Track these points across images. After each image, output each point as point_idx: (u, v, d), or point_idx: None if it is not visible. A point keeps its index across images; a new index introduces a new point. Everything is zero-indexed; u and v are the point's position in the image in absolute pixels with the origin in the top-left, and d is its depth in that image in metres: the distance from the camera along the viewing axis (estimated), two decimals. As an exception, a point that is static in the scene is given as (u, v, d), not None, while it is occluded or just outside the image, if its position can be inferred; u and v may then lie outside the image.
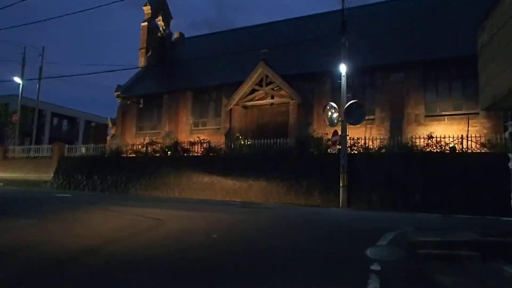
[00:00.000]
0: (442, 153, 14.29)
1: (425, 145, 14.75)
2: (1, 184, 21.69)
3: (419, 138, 15.08)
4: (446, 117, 18.09)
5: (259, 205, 14.68)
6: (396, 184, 14.15)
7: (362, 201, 14.31)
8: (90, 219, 9.21)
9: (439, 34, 19.04)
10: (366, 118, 17.88)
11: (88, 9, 25.49)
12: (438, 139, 14.61)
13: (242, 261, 5.60)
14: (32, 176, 21.75)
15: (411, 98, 18.77)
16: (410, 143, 15.06)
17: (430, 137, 14.81)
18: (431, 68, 18.73)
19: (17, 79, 27.27)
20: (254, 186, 16.48)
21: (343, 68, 15.38)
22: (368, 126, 18.94)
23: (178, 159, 18.72)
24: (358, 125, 17.06)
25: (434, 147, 14.55)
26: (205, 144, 18.80)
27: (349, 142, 15.74)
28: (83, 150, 22.13)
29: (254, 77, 21.24)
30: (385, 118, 19.10)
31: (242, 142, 18.15)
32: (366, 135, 17.07)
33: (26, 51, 29.88)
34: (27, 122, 53.96)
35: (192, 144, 19.09)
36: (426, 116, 18.48)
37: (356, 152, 15.82)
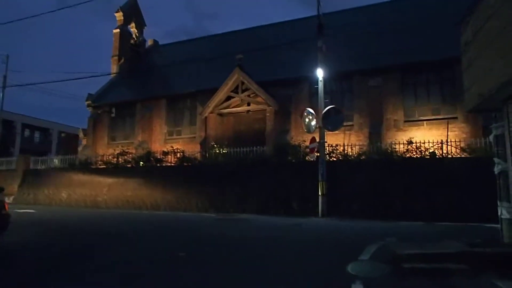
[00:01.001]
0: (423, 158, 13.92)
1: (405, 150, 14.37)
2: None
3: (399, 143, 14.70)
4: (425, 122, 17.81)
5: (234, 216, 14.01)
6: (377, 191, 13.68)
7: (343, 210, 13.76)
8: None
9: (416, 38, 18.85)
10: (345, 124, 17.49)
11: (52, 11, 24.04)
12: (418, 145, 14.26)
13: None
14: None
15: (390, 103, 18.46)
16: (390, 149, 14.67)
17: (409, 142, 14.45)
18: (409, 72, 18.47)
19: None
20: (231, 197, 15.77)
21: (320, 73, 14.91)
22: (347, 132, 18.53)
23: (150, 170, 17.88)
24: (337, 132, 16.65)
25: (414, 153, 14.19)
26: (179, 153, 18.03)
27: (327, 149, 15.25)
28: (56, 161, 20.98)
29: (230, 84, 20.61)
30: (363, 124, 18.72)
31: (218, 151, 17.45)
32: (345, 142, 16.63)
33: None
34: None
35: (166, 153, 18.30)
36: (405, 121, 18.16)
37: (335, 159, 15.33)
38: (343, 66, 18.63)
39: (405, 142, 14.57)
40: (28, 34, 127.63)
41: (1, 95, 25.61)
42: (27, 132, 56.78)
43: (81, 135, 27.42)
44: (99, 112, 25.59)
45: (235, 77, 20.48)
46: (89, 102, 25.72)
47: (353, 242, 8.07)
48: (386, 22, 20.84)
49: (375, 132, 18.02)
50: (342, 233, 9.78)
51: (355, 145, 15.74)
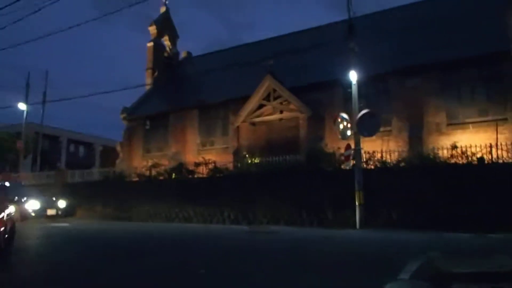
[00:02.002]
0: (469, 164, 12.76)
1: (449, 156, 13.26)
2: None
3: (442, 148, 13.63)
4: (470, 124, 16.51)
5: (266, 229, 13.41)
6: (419, 200, 12.66)
7: (381, 221, 12.84)
8: None
9: (456, 33, 17.66)
10: (382, 129, 16.54)
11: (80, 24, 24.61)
12: (464, 149, 13.11)
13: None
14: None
15: (430, 105, 17.29)
16: (432, 154, 13.58)
17: (454, 147, 13.31)
18: (450, 70, 17.21)
19: (22, 105, 26.91)
20: (263, 208, 15.20)
21: (353, 75, 14.14)
22: (385, 138, 17.52)
23: (182, 182, 17.64)
24: (374, 137, 15.70)
25: (460, 158, 13.04)
26: (210, 164, 17.69)
27: (364, 156, 14.39)
28: (91, 174, 21.30)
29: (261, 92, 20.15)
30: (402, 128, 17.64)
31: (249, 161, 16.96)
32: (383, 148, 15.67)
33: (31, 76, 29.54)
34: (44, 148, 54.29)
35: (197, 165, 18.02)
36: (448, 124, 16.94)
37: (372, 167, 14.41)
38: (378, 67, 17.72)
39: (448, 146, 13.47)
40: (67, 50, 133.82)
41: (42, 110, 26.42)
42: (72, 147, 59.00)
43: (118, 148, 27.79)
44: (133, 125, 25.87)
45: (266, 85, 20.01)
46: (124, 115, 26.07)
47: (392, 257, 7.28)
48: (422, 18, 19.73)
49: (415, 137, 16.92)
50: (380, 246, 8.96)
51: (393, 151, 14.75)
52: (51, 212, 17.11)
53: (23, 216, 15.46)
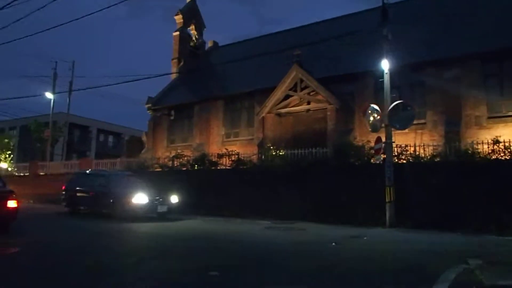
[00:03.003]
0: (513, 160, 11.70)
1: (490, 151, 12.21)
2: (31, 201, 21.21)
3: (482, 143, 12.56)
4: (515, 117, 15.29)
5: (290, 225, 12.78)
6: (455, 198, 11.74)
7: (413, 220, 11.97)
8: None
9: (498, 22, 16.38)
10: (416, 122, 15.53)
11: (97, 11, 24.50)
12: (507, 144, 12.03)
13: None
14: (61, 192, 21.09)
15: (470, 97, 16.10)
16: (471, 149, 12.53)
17: (496, 141, 12.24)
18: (492, 60, 15.99)
19: (48, 94, 27.18)
20: (288, 202, 14.56)
21: (385, 65, 13.22)
22: (419, 131, 16.50)
23: (204, 173, 17.20)
24: (406, 130, 14.79)
25: (502, 154, 11.98)
26: (233, 156, 17.16)
27: (395, 150, 13.49)
28: (108, 165, 21.14)
29: (288, 82, 19.39)
30: (438, 122, 16.54)
31: (274, 153, 16.31)
32: (416, 142, 14.70)
33: (64, 67, 29.81)
34: (74, 138, 55.39)
35: (220, 156, 17.53)
36: (489, 117, 15.72)
37: (404, 161, 13.49)
38: (413, 56, 16.69)
39: (489, 141, 12.39)
40: (99, 43, 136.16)
41: (68, 100, 26.60)
42: (101, 137, 60.09)
43: (144, 138, 27.72)
44: (158, 115, 25.68)
45: (293, 75, 19.23)
46: (149, 105, 25.90)
47: (425, 264, 6.54)
48: (461, 6, 18.45)
49: (452, 131, 15.80)
50: (411, 249, 8.17)
51: (428, 145, 13.77)
52: (161, 209, 13.81)
53: (132, 213, 13.10)
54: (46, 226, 12.25)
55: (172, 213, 14.26)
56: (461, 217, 11.44)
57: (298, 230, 11.56)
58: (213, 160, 17.63)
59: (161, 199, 13.93)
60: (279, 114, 20.22)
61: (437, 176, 12.27)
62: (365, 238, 9.80)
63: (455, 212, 11.61)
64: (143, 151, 25.81)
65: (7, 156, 28.51)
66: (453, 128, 15.86)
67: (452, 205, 11.73)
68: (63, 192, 15.95)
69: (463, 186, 11.70)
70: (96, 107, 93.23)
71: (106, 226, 11.85)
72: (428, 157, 13.17)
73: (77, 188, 15.38)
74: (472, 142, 13.04)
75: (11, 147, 31.29)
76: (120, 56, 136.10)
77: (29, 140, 33.46)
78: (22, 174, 25.28)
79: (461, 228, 10.89)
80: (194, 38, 29.91)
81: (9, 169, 27.94)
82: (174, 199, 14.58)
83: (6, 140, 30.38)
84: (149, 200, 13.38)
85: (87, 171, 17.41)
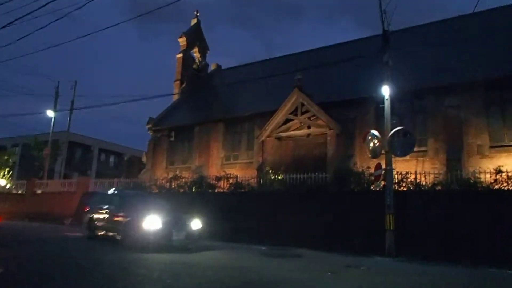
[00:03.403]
0: (516, 191, 11.41)
1: (492, 181, 11.94)
2: (26, 220, 20.93)
3: (484, 172, 12.31)
4: (517, 147, 15.05)
5: (286, 251, 12.42)
6: (457, 228, 11.41)
7: (414, 250, 11.62)
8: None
9: (500, 49, 16.37)
10: (417, 149, 15.40)
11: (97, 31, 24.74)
12: (510, 174, 11.77)
13: None
14: (58, 211, 20.82)
15: (472, 126, 15.93)
16: (473, 178, 12.27)
17: (498, 171, 11.98)
18: (494, 88, 15.87)
19: (50, 112, 27.23)
20: (286, 228, 14.25)
21: (386, 90, 13.13)
22: (420, 158, 16.28)
23: (201, 196, 16.92)
24: (407, 157, 14.59)
25: (505, 184, 11.71)
26: (231, 179, 16.93)
27: (396, 177, 13.25)
28: (105, 184, 20.90)
29: (288, 106, 19.33)
30: (440, 150, 16.32)
31: (272, 177, 16.07)
32: (418, 169, 14.46)
33: (67, 87, 29.98)
34: (75, 157, 55.32)
35: (219, 179, 17.30)
36: (491, 146, 15.50)
37: (405, 189, 13.23)
38: (415, 83, 16.63)
39: (492, 170, 12.14)
40: (110, 67, 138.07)
41: (69, 118, 26.61)
42: (103, 156, 60.05)
43: (144, 158, 27.56)
44: (158, 136, 25.59)
45: (294, 99, 19.17)
46: (149, 125, 25.85)
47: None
48: (463, 33, 18.51)
49: (454, 159, 15.56)
50: (411, 283, 7.82)
51: (429, 173, 13.51)
52: (178, 236, 11.28)
53: (141, 240, 10.73)
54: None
55: (193, 241, 11.80)
56: (462, 248, 11.09)
57: (294, 257, 11.19)
58: (211, 182, 17.39)
59: (178, 224, 11.51)
60: (279, 138, 20.07)
61: (438, 205, 12.00)
62: (362, 268, 9.44)
63: (456, 243, 11.28)
64: (142, 172, 25.62)
65: (5, 173, 28.31)
66: (454, 156, 15.63)
67: (453, 235, 11.41)
68: (86, 215, 13.92)
69: (464, 216, 11.41)
70: (99, 127, 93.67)
71: (104, 258, 9.31)
72: (429, 185, 12.90)
73: (95, 210, 13.57)
74: (474, 171, 12.79)
75: (11, 165, 31.13)
76: (128, 78, 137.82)
77: (31, 158, 33.37)
78: (19, 192, 25.06)
79: (463, 260, 10.53)
80: (197, 61, 30.14)
81: (8, 186, 27.72)
82: (195, 224, 11.97)
83: (5, 157, 30.28)
84: (163, 224, 10.95)
85: (110, 191, 15.11)
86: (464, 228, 11.31)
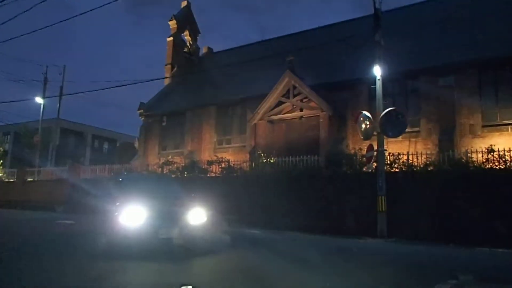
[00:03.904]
0: (508, 170, 11.35)
1: (484, 160, 11.86)
2: (18, 208, 20.77)
3: (476, 152, 12.21)
4: (509, 126, 14.96)
5: (279, 234, 12.37)
6: (448, 209, 11.38)
7: (405, 231, 11.62)
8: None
9: (494, 29, 16.16)
10: (410, 130, 15.36)
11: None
12: (501, 153, 11.69)
13: None
14: (49, 199, 20.65)
15: (464, 106, 15.81)
16: (465, 158, 12.20)
17: (490, 150, 11.88)
18: (487, 69, 15.73)
19: (38, 99, 26.81)
20: (278, 211, 14.17)
21: (377, 70, 12.95)
22: (412, 139, 16.20)
23: (193, 181, 16.77)
24: (400, 138, 14.54)
25: (497, 163, 11.63)
26: (223, 163, 16.78)
27: (388, 159, 13.15)
28: (97, 171, 20.74)
29: (280, 88, 19.09)
30: (432, 130, 16.23)
31: (264, 161, 15.94)
32: (410, 150, 14.36)
33: (58, 73, 29.40)
34: (68, 145, 54.94)
35: (210, 163, 17.15)
36: (483, 126, 15.42)
37: (397, 170, 13.14)
38: (408, 64, 16.44)
39: (484, 150, 12.04)
40: (103, 53, 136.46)
41: (58, 105, 26.24)
42: (96, 143, 59.67)
43: (136, 144, 27.34)
44: (150, 121, 25.31)
45: (286, 81, 18.93)
46: (141, 111, 25.55)
47: (414, 279, 6.16)
48: (457, 13, 18.21)
49: (446, 139, 15.48)
50: (401, 262, 7.78)
51: (421, 154, 13.42)
52: (168, 233, 7.61)
53: (120, 239, 7.48)
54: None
55: (191, 240, 7.80)
56: (455, 228, 11.08)
57: (284, 241, 11.14)
58: (203, 167, 17.24)
59: (168, 216, 7.81)
60: (271, 121, 19.89)
61: (430, 186, 11.91)
62: (354, 249, 9.41)
63: (448, 223, 11.27)
64: (134, 158, 25.40)
65: (-4, 162, 28.01)
66: (447, 136, 15.55)
67: (445, 216, 11.38)
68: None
69: (456, 196, 11.36)
70: (93, 114, 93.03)
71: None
72: (422, 166, 12.81)
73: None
74: (466, 151, 12.70)
75: (2, 153, 30.80)
76: (122, 64, 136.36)
77: (22, 146, 33.02)
78: (11, 180, 24.83)
79: (455, 240, 10.53)
80: (188, 44, 29.66)
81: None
82: (196, 215, 8.11)
83: (-5, 147, 29.93)
84: (148, 219, 7.49)
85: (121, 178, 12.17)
86: (456, 208, 11.27)
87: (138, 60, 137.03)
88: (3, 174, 27.10)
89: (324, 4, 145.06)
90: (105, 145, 60.44)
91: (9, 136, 51.42)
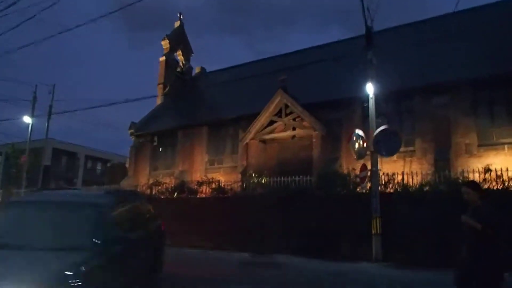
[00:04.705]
0: (506, 191, 10.95)
1: (481, 181, 11.46)
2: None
3: (473, 172, 11.82)
4: (506, 145, 14.63)
5: (268, 259, 11.83)
6: (446, 231, 10.86)
7: (402, 254, 11.10)
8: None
9: (489, 48, 16.01)
10: (405, 149, 15.01)
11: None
12: (499, 173, 11.32)
13: None
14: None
15: (460, 125, 15.51)
16: (461, 178, 11.81)
17: (487, 170, 11.53)
18: (482, 88, 15.45)
19: (27, 118, 26.35)
20: (268, 235, 13.64)
21: (370, 89, 12.67)
22: (407, 159, 15.80)
23: (182, 202, 16.26)
24: (394, 158, 14.29)
25: (494, 183, 11.25)
26: (214, 183, 16.29)
27: (382, 179, 12.74)
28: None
29: (272, 107, 18.77)
30: (428, 149, 15.87)
31: (256, 181, 15.47)
32: (405, 170, 13.95)
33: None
34: (62, 165, 54.17)
35: (200, 184, 16.64)
36: (479, 145, 15.07)
37: (392, 191, 12.71)
38: (401, 83, 16.15)
39: (481, 170, 11.68)
40: (99, 74, 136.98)
41: (47, 124, 25.78)
42: (89, 164, 58.98)
43: (127, 164, 26.81)
44: (141, 141, 24.86)
45: (278, 100, 18.62)
46: (131, 130, 25.11)
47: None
48: (450, 32, 18.12)
49: (442, 159, 15.10)
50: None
51: (417, 173, 13.02)
52: None
53: None
54: None
55: None
56: (452, 252, 10.55)
57: (275, 266, 10.60)
58: (193, 188, 16.73)
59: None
60: (263, 141, 19.49)
61: (426, 207, 11.46)
62: (348, 275, 8.88)
63: (446, 246, 10.73)
64: (124, 179, 24.83)
65: (-17, 183, 27.33)
66: (442, 156, 15.18)
67: (442, 238, 10.86)
68: None
69: (453, 217, 10.84)
70: (87, 135, 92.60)
71: None
72: (417, 186, 12.39)
73: None
74: (463, 170, 12.32)
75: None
76: (117, 86, 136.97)
77: (10, 166, 32.37)
78: (-4, 202, 24.09)
79: (453, 265, 10.00)
80: (181, 64, 29.51)
81: (-15, 196, 26.72)
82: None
83: (-18, 167, 29.27)
84: None
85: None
86: (453, 230, 10.75)
87: (134, 82, 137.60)
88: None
89: (320, 32, 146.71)
90: (98, 166, 59.77)
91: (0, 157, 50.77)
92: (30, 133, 26.21)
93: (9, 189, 24.06)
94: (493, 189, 11.11)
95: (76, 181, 53.08)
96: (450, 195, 11.27)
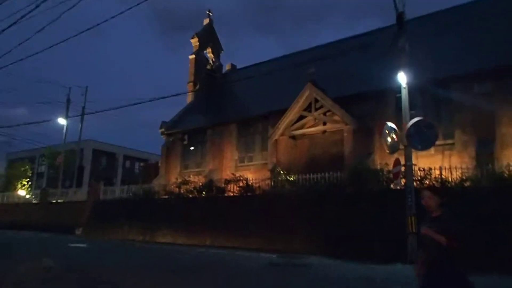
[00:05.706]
0: None
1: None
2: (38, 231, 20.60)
3: (523, 165, 10.75)
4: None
5: (296, 260, 11.27)
6: (488, 231, 9.93)
7: (440, 256, 10.20)
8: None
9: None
10: (443, 142, 14.03)
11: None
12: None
13: None
14: (68, 221, 20.36)
15: (505, 115, 14.24)
16: (507, 172, 10.75)
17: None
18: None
19: (61, 120, 27.01)
20: (297, 234, 13.11)
21: (402, 78, 11.79)
22: (446, 152, 14.74)
23: (210, 201, 16.01)
24: (432, 152, 13.30)
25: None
26: (241, 182, 15.89)
27: (417, 174, 11.86)
28: (117, 192, 20.32)
29: (301, 102, 18.11)
30: (468, 142, 14.72)
31: (284, 178, 14.94)
32: (444, 165, 12.97)
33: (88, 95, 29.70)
34: (102, 165, 55.77)
35: (228, 182, 16.30)
36: (529, 136, 13.82)
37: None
38: (436, 71, 15.12)
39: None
40: (137, 77, 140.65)
41: (80, 125, 26.33)
42: (128, 163, 60.39)
43: (160, 164, 26.98)
44: (171, 140, 24.86)
45: (307, 94, 17.94)
46: (162, 130, 25.17)
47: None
48: (491, 15, 16.77)
49: (485, 152, 13.90)
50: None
51: (456, 168, 12.03)
52: None
53: None
54: None
55: None
56: (496, 252, 9.62)
57: (301, 268, 10.03)
58: (221, 186, 16.42)
59: None
60: (293, 137, 18.86)
61: (466, 204, 10.49)
62: (377, 279, 8.20)
63: (490, 246, 9.80)
64: (156, 177, 24.94)
65: (25, 183, 28.38)
66: (485, 149, 13.99)
67: (486, 237, 9.92)
68: None
69: (497, 215, 9.91)
70: (125, 136, 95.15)
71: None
72: (457, 182, 11.44)
73: None
74: (509, 164, 11.23)
75: (30, 175, 31.29)
76: (154, 86, 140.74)
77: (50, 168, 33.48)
78: (34, 202, 24.93)
79: (499, 267, 9.08)
80: (211, 61, 29.35)
81: (27, 196, 27.75)
82: None
83: (22, 169, 30.43)
84: None
85: None
86: (499, 230, 9.83)
87: (171, 84, 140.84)
88: (31, 195, 27.36)
89: (352, 26, 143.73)
90: (137, 166, 61.06)
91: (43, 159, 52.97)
92: (65, 134, 26.90)
93: (46, 189, 24.77)
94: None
95: (115, 181, 54.42)
96: (493, 191, 10.33)
